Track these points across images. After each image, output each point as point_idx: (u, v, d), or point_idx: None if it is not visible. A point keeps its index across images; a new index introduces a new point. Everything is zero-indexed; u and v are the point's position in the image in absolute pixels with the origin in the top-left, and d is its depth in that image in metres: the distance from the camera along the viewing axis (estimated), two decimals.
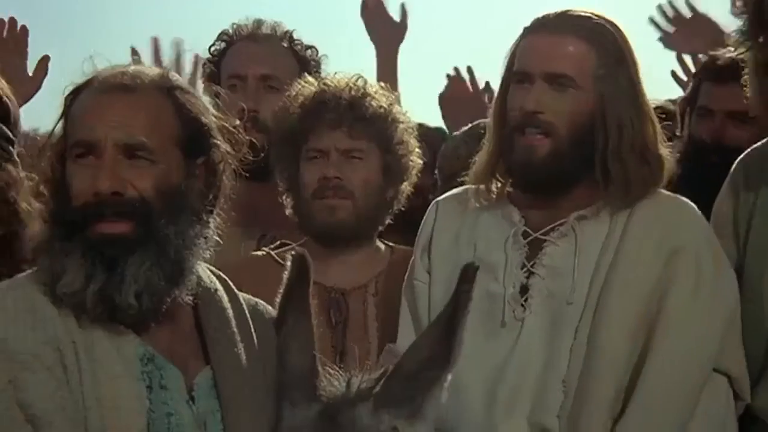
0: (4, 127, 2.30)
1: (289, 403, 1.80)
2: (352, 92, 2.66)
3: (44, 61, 2.98)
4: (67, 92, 1.94)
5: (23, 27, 3.27)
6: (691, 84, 3.24)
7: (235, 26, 3.30)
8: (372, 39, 4.08)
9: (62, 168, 1.91)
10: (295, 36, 3.28)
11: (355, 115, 2.64)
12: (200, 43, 3.35)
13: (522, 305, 2.30)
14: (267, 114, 3.00)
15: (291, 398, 1.80)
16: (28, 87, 3.02)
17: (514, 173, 2.35)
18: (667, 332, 2.23)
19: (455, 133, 3.25)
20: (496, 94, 2.43)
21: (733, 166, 2.49)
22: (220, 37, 3.31)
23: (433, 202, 2.51)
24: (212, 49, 3.30)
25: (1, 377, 1.77)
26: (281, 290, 1.90)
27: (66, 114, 1.93)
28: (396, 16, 4.14)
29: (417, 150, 2.72)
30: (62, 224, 1.86)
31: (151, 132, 1.88)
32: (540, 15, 2.35)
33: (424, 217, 2.49)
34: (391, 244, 2.77)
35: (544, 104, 2.29)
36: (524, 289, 2.32)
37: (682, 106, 3.20)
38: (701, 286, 2.26)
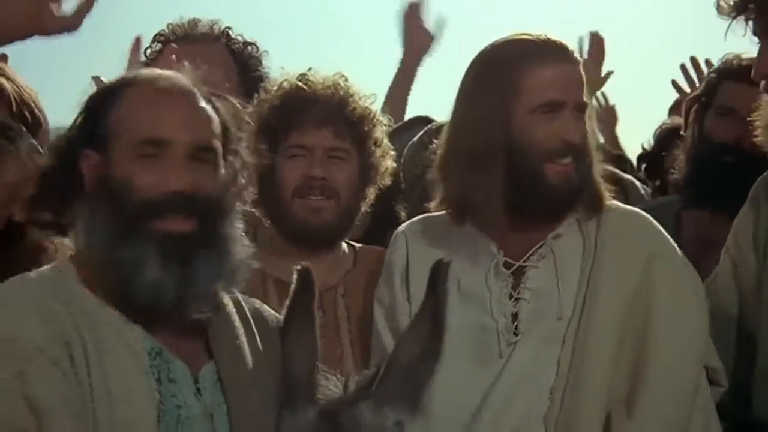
0: (34, 142, 2.32)
1: (289, 408, 1.88)
2: (340, 91, 2.71)
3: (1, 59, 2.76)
4: (95, 89, 2.05)
5: None
6: (705, 82, 3.27)
7: (170, 26, 3.23)
8: (402, 44, 4.09)
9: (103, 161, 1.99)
10: (232, 33, 3.25)
11: (343, 115, 2.70)
12: None
13: (514, 333, 2.41)
14: None
15: (290, 404, 1.88)
16: None
17: (535, 200, 2.40)
18: (660, 338, 2.36)
19: (413, 140, 3.29)
20: (482, 120, 2.42)
21: (757, 181, 2.60)
22: (155, 39, 3.28)
23: (399, 232, 2.58)
24: (149, 51, 3.22)
25: (7, 371, 1.84)
26: (287, 300, 2.00)
27: (109, 109, 2.00)
28: (431, 27, 4.14)
29: (391, 152, 2.80)
30: (122, 219, 1.94)
31: (216, 135, 2.02)
32: (538, 43, 2.42)
33: (393, 248, 2.57)
34: (353, 243, 2.84)
35: (581, 134, 2.41)
36: (514, 317, 2.43)
37: (691, 104, 3.26)
38: (682, 288, 2.42)
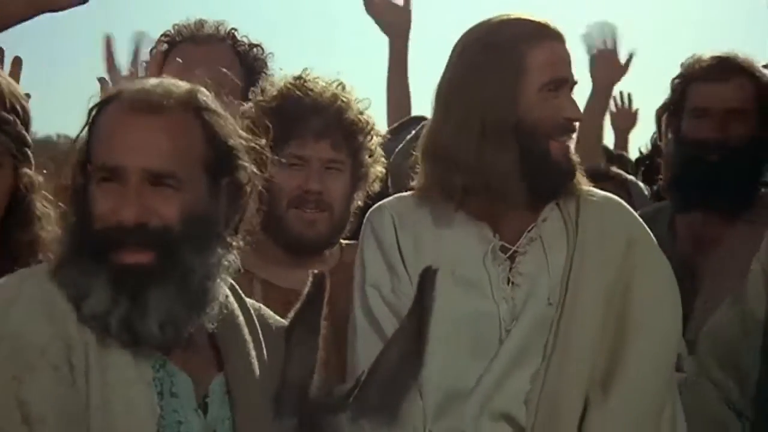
0: (24, 132, 2.35)
1: (278, 412, 1.87)
2: (339, 102, 2.72)
3: (16, 63, 2.67)
4: (91, 104, 1.97)
5: None
6: (671, 89, 3.32)
7: (176, 27, 3.26)
8: (383, 30, 4.08)
9: (83, 179, 1.94)
10: (238, 35, 3.26)
11: (341, 126, 2.72)
12: None
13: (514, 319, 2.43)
14: None
15: (280, 408, 1.87)
16: None
17: (541, 179, 2.42)
18: (640, 321, 2.40)
19: (402, 145, 3.27)
20: (492, 100, 2.39)
21: None
22: (161, 39, 3.27)
23: (386, 212, 2.50)
24: (153, 51, 3.23)
25: (5, 373, 1.83)
26: (297, 305, 1.97)
27: (91, 128, 1.96)
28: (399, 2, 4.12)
29: (382, 159, 2.82)
30: (84, 244, 1.90)
31: (179, 158, 1.90)
32: (535, 23, 2.44)
33: (379, 227, 2.49)
34: (341, 240, 2.86)
35: (579, 112, 2.48)
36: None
37: (661, 112, 3.32)
38: (660, 273, 2.47)
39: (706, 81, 3.15)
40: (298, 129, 2.68)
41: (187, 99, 1.95)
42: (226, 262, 1.96)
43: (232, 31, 3.24)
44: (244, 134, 2.02)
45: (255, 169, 2.01)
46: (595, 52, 4.06)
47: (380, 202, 2.54)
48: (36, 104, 2.42)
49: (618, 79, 4.14)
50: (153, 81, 1.99)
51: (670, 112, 3.23)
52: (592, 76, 4.03)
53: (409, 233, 2.45)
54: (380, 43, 4.05)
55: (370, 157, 2.77)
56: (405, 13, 4.11)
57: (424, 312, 1.78)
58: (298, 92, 2.71)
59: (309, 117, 2.68)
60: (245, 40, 3.24)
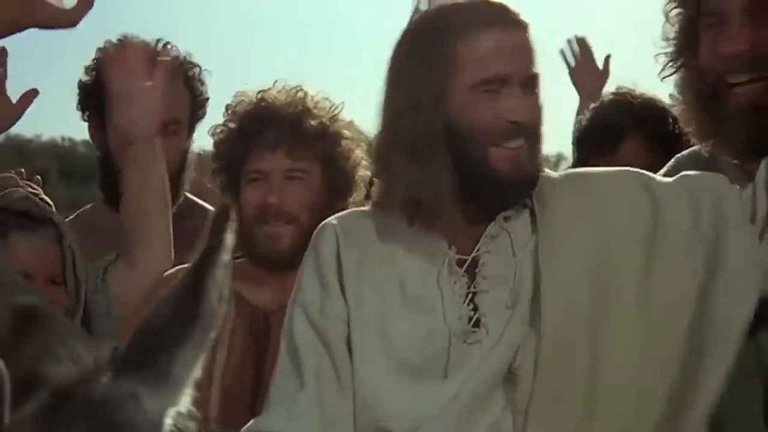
0: None
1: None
2: (291, 110, 2.69)
3: (31, 94, 2.54)
4: None
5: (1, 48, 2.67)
6: None
7: (103, 51, 3.09)
8: None
9: None
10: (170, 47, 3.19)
11: (295, 135, 2.68)
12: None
13: (472, 331, 2.17)
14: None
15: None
16: (7, 115, 2.57)
17: (483, 189, 2.16)
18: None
19: None
20: (418, 103, 2.15)
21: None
22: (96, 66, 3.12)
23: (329, 226, 2.30)
24: (83, 81, 3.17)
25: None
26: None
27: None
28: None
29: (364, 162, 2.73)
30: None
31: None
32: (475, 7, 2.15)
33: (321, 243, 2.28)
34: None
35: (529, 113, 2.15)
36: (470, 319, 2.18)
37: None
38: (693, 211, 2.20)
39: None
40: (254, 143, 2.69)
41: None
42: None
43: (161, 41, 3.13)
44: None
45: None
46: (573, 65, 4.09)
47: (326, 220, 2.33)
48: (41, 107, 2.44)
49: (602, 84, 4.02)
50: None
51: None
52: (576, 86, 4.06)
53: (355, 249, 2.23)
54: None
55: (346, 160, 2.71)
56: None
57: (207, 256, 1.39)
58: (254, 108, 2.72)
59: (264, 130, 2.68)
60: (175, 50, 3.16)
